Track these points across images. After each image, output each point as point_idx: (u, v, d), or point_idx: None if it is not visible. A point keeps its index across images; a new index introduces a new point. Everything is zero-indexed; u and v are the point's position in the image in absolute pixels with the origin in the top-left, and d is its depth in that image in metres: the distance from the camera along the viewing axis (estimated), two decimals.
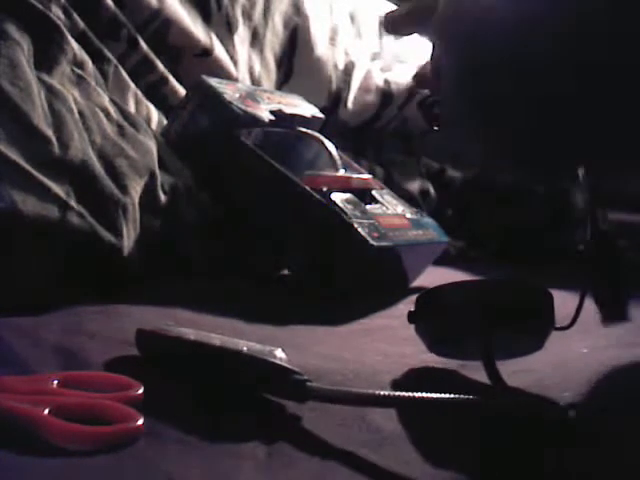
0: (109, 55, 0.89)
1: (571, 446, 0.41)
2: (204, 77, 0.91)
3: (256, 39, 1.14)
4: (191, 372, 0.49)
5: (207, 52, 1.03)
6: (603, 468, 0.41)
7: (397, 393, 0.43)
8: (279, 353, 0.48)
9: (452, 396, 0.40)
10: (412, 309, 0.55)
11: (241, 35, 1.11)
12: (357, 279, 0.80)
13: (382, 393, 0.42)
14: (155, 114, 0.94)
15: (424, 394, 0.41)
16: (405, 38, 0.61)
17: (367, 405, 0.44)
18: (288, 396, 0.45)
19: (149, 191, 0.75)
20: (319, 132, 0.96)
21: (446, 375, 0.55)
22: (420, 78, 0.62)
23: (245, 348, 0.48)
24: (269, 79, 1.15)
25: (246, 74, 1.10)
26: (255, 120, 0.88)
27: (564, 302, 0.55)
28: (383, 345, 0.63)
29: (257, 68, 1.13)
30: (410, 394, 0.41)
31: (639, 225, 0.92)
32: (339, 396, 0.44)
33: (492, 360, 0.50)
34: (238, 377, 0.47)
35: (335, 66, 1.24)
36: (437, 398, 0.41)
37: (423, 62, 0.60)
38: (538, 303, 0.53)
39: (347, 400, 0.44)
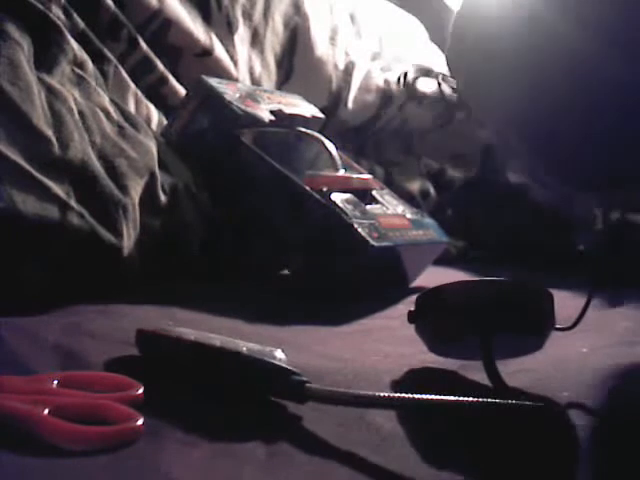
0: (109, 55, 0.89)
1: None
2: (204, 77, 0.91)
3: (256, 39, 1.14)
4: (191, 372, 0.49)
5: (207, 52, 1.03)
6: (604, 466, 0.41)
7: (396, 395, 0.43)
8: (279, 354, 0.48)
9: (451, 398, 0.40)
10: (412, 309, 0.55)
11: (241, 35, 1.11)
12: (357, 279, 0.80)
13: (381, 394, 0.42)
14: (155, 114, 0.94)
15: (423, 395, 0.41)
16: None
17: (366, 406, 0.44)
18: (287, 397, 0.45)
19: (149, 191, 0.75)
20: (319, 132, 0.96)
21: (446, 376, 0.55)
22: None
23: (245, 349, 0.48)
24: (269, 79, 1.15)
25: (246, 74, 1.11)
26: (255, 120, 0.88)
27: (564, 302, 0.55)
28: (383, 345, 0.63)
29: (257, 68, 1.13)
30: (409, 395, 0.41)
31: (639, 225, 0.92)
32: (338, 397, 0.44)
33: (492, 360, 0.50)
34: (238, 378, 0.47)
35: (335, 66, 1.24)
36: (436, 400, 0.41)
37: None
38: (538, 303, 0.53)
39: (346, 401, 0.44)
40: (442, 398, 0.40)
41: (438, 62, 1.49)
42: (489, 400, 0.40)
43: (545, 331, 0.53)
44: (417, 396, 0.41)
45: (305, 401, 0.44)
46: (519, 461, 0.40)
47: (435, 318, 0.54)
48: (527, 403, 0.40)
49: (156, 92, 0.97)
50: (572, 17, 0.51)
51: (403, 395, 0.42)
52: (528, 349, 0.55)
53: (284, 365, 0.46)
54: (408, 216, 0.90)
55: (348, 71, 1.26)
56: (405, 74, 0.59)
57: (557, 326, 0.54)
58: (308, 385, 0.44)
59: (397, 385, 0.52)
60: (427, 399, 0.41)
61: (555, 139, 0.54)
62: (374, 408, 0.44)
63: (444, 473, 0.40)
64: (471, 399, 0.40)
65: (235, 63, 1.08)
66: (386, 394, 0.42)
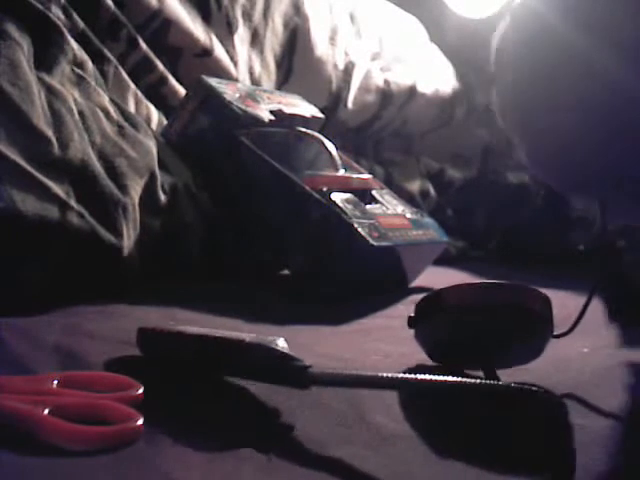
0: (109, 55, 0.89)
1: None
2: (204, 77, 0.91)
3: (256, 39, 1.14)
4: (193, 363, 0.49)
5: (207, 52, 1.03)
6: (604, 465, 0.41)
7: (398, 375, 0.43)
8: (281, 342, 0.48)
9: (451, 378, 0.40)
10: (412, 313, 0.55)
11: (241, 35, 1.11)
12: (357, 279, 0.80)
13: (382, 375, 0.42)
14: (155, 114, 0.94)
15: (424, 376, 0.41)
16: None
17: (368, 387, 0.44)
18: (290, 383, 0.45)
19: (149, 191, 0.75)
20: (319, 132, 0.96)
21: (445, 374, 0.55)
22: None
23: (247, 338, 0.48)
24: (269, 79, 1.15)
25: (246, 74, 1.10)
26: (255, 120, 0.88)
27: (564, 302, 0.55)
28: (383, 345, 0.63)
29: (257, 68, 1.13)
30: (410, 376, 0.41)
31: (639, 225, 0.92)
32: (340, 380, 0.44)
33: (492, 364, 0.50)
34: (241, 365, 0.47)
35: (335, 66, 1.24)
36: (437, 380, 0.40)
37: None
38: (537, 310, 0.53)
39: (348, 383, 0.43)
40: (442, 379, 0.40)
41: (437, 62, 1.49)
42: (488, 382, 0.40)
43: (544, 338, 0.53)
44: (418, 376, 0.41)
45: (308, 386, 0.44)
46: (519, 461, 0.40)
47: (434, 324, 0.54)
48: (525, 387, 0.40)
49: (156, 92, 0.97)
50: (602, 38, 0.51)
51: (404, 375, 0.42)
52: (527, 357, 0.54)
53: (286, 351, 0.46)
54: (408, 216, 0.90)
55: (348, 71, 1.26)
56: None
57: (554, 333, 0.54)
58: (310, 370, 0.44)
59: None
60: (427, 379, 0.41)
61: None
62: (375, 389, 0.44)
63: (444, 473, 0.40)
64: (470, 380, 0.40)
65: (235, 63, 1.08)
66: (387, 374, 0.42)
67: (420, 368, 0.56)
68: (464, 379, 0.40)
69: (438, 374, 0.54)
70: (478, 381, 0.40)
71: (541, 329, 0.53)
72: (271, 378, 0.46)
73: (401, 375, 0.43)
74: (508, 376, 0.50)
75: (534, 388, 0.39)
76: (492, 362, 0.51)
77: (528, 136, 0.57)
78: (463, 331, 0.52)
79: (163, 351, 0.51)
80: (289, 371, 0.44)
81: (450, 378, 0.40)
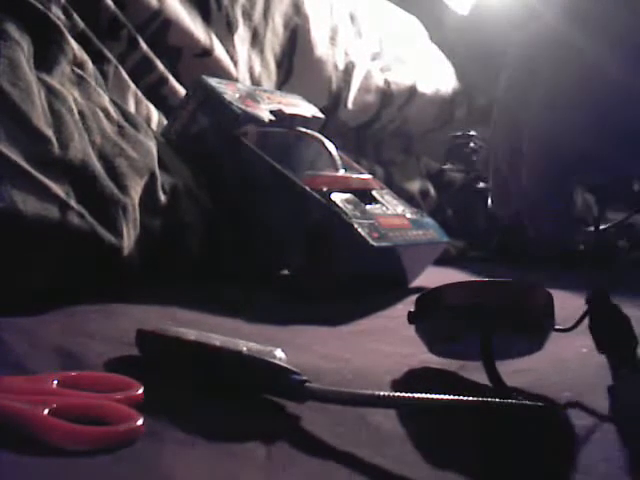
0: (109, 55, 0.89)
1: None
2: (204, 77, 0.91)
3: (256, 39, 1.14)
4: (191, 372, 0.49)
5: (207, 52, 1.03)
6: (603, 466, 0.41)
7: (396, 394, 0.43)
8: (279, 353, 0.48)
9: (451, 397, 0.40)
10: (412, 309, 0.55)
11: (241, 35, 1.11)
12: (357, 279, 0.80)
13: (381, 394, 0.42)
14: (155, 114, 0.94)
15: (423, 395, 0.41)
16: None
17: (366, 406, 0.44)
18: (287, 396, 0.45)
19: (149, 191, 0.75)
20: (319, 132, 0.96)
21: (446, 376, 0.55)
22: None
23: (245, 348, 0.48)
24: (269, 79, 1.15)
25: (246, 74, 1.11)
26: (255, 120, 0.88)
27: (564, 302, 0.55)
28: (383, 345, 0.63)
29: (257, 68, 1.13)
30: (409, 395, 0.41)
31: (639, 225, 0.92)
32: (338, 396, 0.44)
33: (492, 360, 0.50)
34: (238, 377, 0.47)
35: (335, 66, 1.24)
36: (436, 399, 0.41)
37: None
38: (538, 303, 0.53)
39: (346, 401, 0.44)
40: (442, 397, 0.40)
41: (437, 62, 1.49)
42: (488, 400, 0.40)
43: (545, 332, 0.53)
44: (417, 395, 0.41)
45: (305, 400, 0.44)
46: (519, 461, 0.40)
47: (435, 318, 0.54)
48: (526, 402, 0.40)
49: (156, 92, 0.97)
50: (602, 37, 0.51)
51: (403, 395, 0.42)
52: (527, 350, 0.55)
53: (284, 364, 0.46)
54: (408, 216, 0.90)
55: (348, 71, 1.26)
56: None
57: (557, 327, 0.54)
58: (308, 384, 0.44)
59: (397, 385, 0.52)
60: (427, 398, 0.41)
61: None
62: (374, 407, 0.45)
63: (444, 474, 0.40)
64: (471, 398, 0.40)
65: (235, 63, 1.08)
66: (386, 393, 0.42)
67: (421, 370, 0.56)
68: (463, 398, 0.40)
69: (438, 376, 0.55)
70: (477, 399, 0.40)
71: (541, 323, 0.53)
72: (268, 391, 0.46)
73: (398, 394, 0.43)
74: (508, 375, 0.50)
75: (532, 403, 0.39)
76: (492, 356, 0.51)
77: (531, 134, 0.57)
78: (463, 326, 0.52)
79: (161, 354, 0.51)
80: (286, 385, 0.45)
81: (449, 397, 0.40)
